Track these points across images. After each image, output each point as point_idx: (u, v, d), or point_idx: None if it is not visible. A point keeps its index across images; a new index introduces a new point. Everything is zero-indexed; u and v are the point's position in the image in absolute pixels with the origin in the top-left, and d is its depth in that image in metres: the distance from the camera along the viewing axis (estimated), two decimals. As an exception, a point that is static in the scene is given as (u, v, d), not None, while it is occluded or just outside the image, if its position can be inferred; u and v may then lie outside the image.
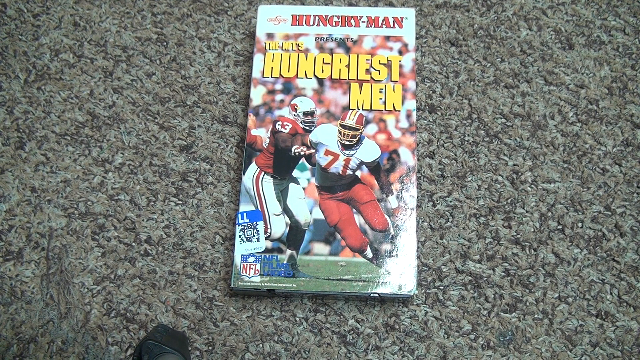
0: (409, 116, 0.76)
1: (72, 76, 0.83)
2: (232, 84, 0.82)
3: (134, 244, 0.75)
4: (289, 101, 0.77)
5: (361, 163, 0.74)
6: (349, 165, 0.74)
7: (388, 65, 0.78)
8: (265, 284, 0.69)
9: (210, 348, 0.70)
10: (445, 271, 0.73)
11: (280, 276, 0.70)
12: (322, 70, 0.78)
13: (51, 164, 0.79)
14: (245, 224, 0.72)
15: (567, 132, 0.78)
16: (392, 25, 0.80)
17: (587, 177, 0.76)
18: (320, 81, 0.78)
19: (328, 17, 0.81)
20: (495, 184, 0.76)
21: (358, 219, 0.72)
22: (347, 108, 0.76)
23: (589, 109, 0.80)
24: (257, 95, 0.77)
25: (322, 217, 0.72)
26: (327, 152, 0.74)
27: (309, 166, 0.74)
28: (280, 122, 0.76)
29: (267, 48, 0.80)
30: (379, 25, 0.80)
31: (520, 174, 0.77)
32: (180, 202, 0.77)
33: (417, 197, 0.75)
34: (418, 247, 0.73)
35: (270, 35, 0.80)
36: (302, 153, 0.75)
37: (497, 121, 0.79)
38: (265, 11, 0.81)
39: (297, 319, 0.71)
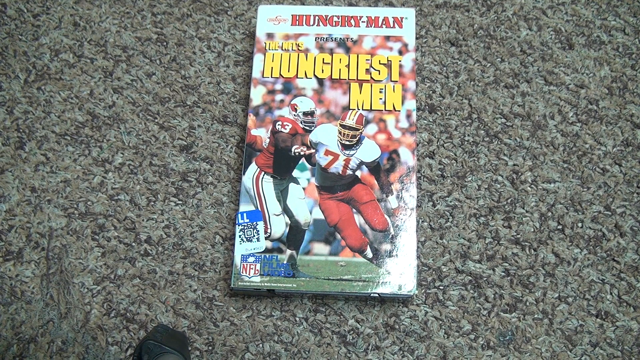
0: (409, 116, 0.76)
1: (72, 76, 0.83)
2: (232, 84, 0.82)
3: (134, 244, 0.75)
4: (289, 101, 0.77)
5: (361, 163, 0.74)
6: (349, 165, 0.74)
7: (388, 65, 0.78)
8: (265, 284, 0.69)
9: (210, 348, 0.70)
10: (445, 271, 0.73)
11: (280, 276, 0.70)
12: (322, 70, 0.78)
13: (51, 164, 0.79)
14: (245, 224, 0.72)
15: (567, 132, 0.78)
16: (392, 25, 0.80)
17: (587, 177, 0.76)
18: (320, 81, 0.78)
19: (328, 17, 0.81)
20: (495, 184, 0.76)
21: (358, 219, 0.72)
22: (347, 108, 0.76)
23: (589, 109, 0.80)
24: (257, 95, 0.77)
25: (322, 217, 0.72)
26: (327, 152, 0.74)
27: (309, 166, 0.74)
28: (280, 122, 0.76)
29: (267, 48, 0.80)
30: (379, 25, 0.80)
31: (520, 174, 0.77)
32: (180, 202, 0.77)
33: (417, 197, 0.75)
34: (418, 247, 0.73)
35: (270, 35, 0.80)
36: (302, 153, 0.75)
37: (497, 121, 0.79)
38: (265, 11, 0.81)
39: (297, 319, 0.71)
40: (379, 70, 0.78)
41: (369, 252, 0.70)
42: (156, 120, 0.81)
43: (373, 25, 0.80)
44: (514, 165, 0.77)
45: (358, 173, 0.74)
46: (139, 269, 0.74)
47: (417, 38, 0.83)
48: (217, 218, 0.76)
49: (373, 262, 0.70)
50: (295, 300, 0.72)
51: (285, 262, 0.70)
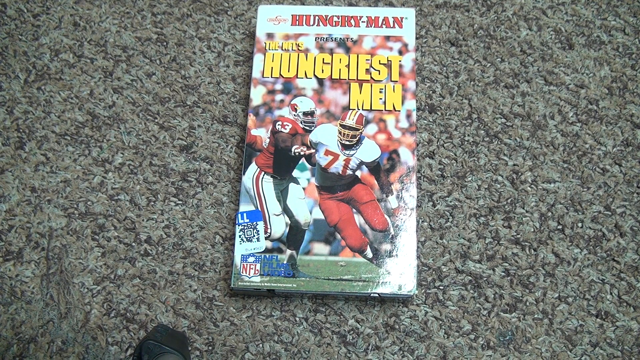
0: (409, 116, 0.76)
1: (72, 76, 0.83)
2: (232, 84, 0.82)
3: (134, 244, 0.75)
4: (289, 101, 0.77)
5: (361, 163, 0.74)
6: (349, 165, 0.74)
7: (388, 65, 0.78)
8: (265, 284, 0.69)
9: (210, 348, 0.70)
10: (445, 271, 0.73)
11: (280, 276, 0.70)
12: (322, 70, 0.78)
13: (51, 164, 0.79)
14: (245, 224, 0.72)
15: (567, 132, 0.78)
16: (392, 25, 0.80)
17: (587, 177, 0.76)
18: (320, 81, 0.78)
19: (328, 17, 0.81)
20: (495, 184, 0.76)
21: (358, 219, 0.72)
22: (347, 108, 0.76)
23: (589, 109, 0.80)
24: (257, 95, 0.77)
25: (322, 217, 0.72)
26: (327, 152, 0.75)
27: (309, 166, 0.74)
28: (280, 122, 0.76)
29: (267, 48, 0.80)
30: (379, 25, 0.80)
31: (520, 174, 0.77)
32: (180, 202, 0.77)
33: (417, 197, 0.75)
34: (418, 247, 0.73)
35: (270, 35, 0.80)
36: (302, 153, 0.75)
37: (497, 121, 0.79)
38: (265, 11, 0.81)
39: (297, 319, 0.71)
40: (379, 70, 0.78)
41: (369, 252, 0.70)
42: (156, 120, 0.81)
43: (373, 25, 0.80)
44: (514, 165, 0.77)
45: (358, 173, 0.74)
46: (139, 269, 0.74)
47: (417, 38, 0.83)
48: (217, 218, 0.76)
49: (373, 262, 0.70)
50: (295, 300, 0.72)
51: (285, 262, 0.70)
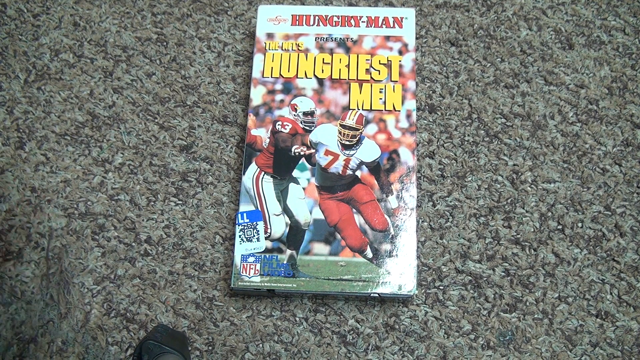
0: (409, 116, 0.76)
1: (72, 76, 0.83)
2: (232, 84, 0.82)
3: (134, 244, 0.75)
4: (289, 101, 0.77)
5: (361, 163, 0.74)
6: (349, 165, 0.74)
7: (388, 65, 0.78)
8: (265, 284, 0.69)
9: (210, 348, 0.70)
10: (445, 271, 0.73)
11: (280, 276, 0.70)
12: (322, 70, 0.78)
13: (51, 164, 0.79)
14: (245, 224, 0.72)
15: (567, 132, 0.78)
16: (392, 25, 0.80)
17: (587, 177, 0.76)
18: (320, 81, 0.78)
19: (328, 17, 0.81)
20: (495, 184, 0.76)
21: (358, 219, 0.72)
22: (347, 108, 0.76)
23: (589, 109, 0.80)
24: (257, 95, 0.77)
25: (322, 217, 0.72)
26: (327, 152, 0.75)
27: (309, 166, 0.74)
28: (280, 122, 0.76)
29: (267, 48, 0.80)
30: (379, 25, 0.80)
31: (520, 174, 0.77)
32: (180, 202, 0.77)
33: (417, 197, 0.75)
34: (418, 247, 0.73)
35: (270, 35, 0.80)
36: (302, 153, 0.75)
37: (497, 121, 0.79)
38: (265, 11, 0.81)
39: (297, 319, 0.71)
40: (379, 70, 0.78)
41: (369, 252, 0.70)
42: (156, 120, 0.81)
43: (373, 25, 0.80)
44: (514, 165, 0.77)
45: (358, 173, 0.74)
46: (139, 269, 0.74)
47: (417, 38, 0.83)
48: (217, 218, 0.76)
49: (373, 262, 0.70)
50: (295, 300, 0.72)
51: (285, 262, 0.70)
